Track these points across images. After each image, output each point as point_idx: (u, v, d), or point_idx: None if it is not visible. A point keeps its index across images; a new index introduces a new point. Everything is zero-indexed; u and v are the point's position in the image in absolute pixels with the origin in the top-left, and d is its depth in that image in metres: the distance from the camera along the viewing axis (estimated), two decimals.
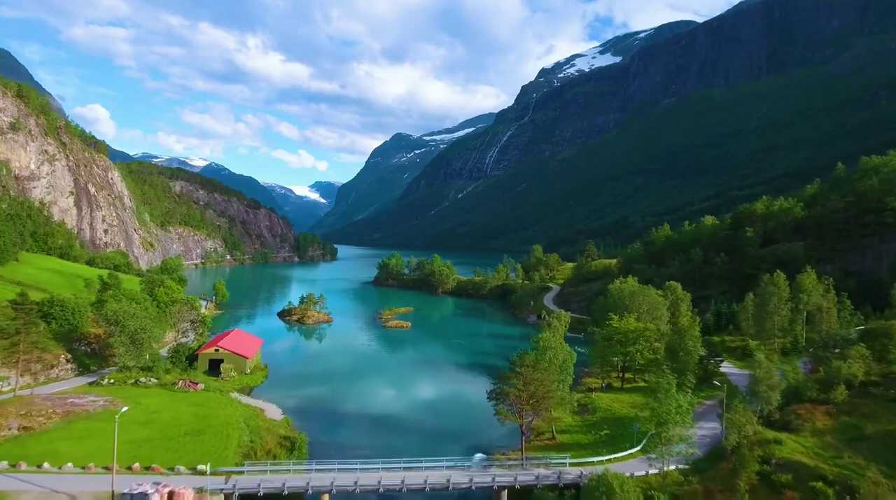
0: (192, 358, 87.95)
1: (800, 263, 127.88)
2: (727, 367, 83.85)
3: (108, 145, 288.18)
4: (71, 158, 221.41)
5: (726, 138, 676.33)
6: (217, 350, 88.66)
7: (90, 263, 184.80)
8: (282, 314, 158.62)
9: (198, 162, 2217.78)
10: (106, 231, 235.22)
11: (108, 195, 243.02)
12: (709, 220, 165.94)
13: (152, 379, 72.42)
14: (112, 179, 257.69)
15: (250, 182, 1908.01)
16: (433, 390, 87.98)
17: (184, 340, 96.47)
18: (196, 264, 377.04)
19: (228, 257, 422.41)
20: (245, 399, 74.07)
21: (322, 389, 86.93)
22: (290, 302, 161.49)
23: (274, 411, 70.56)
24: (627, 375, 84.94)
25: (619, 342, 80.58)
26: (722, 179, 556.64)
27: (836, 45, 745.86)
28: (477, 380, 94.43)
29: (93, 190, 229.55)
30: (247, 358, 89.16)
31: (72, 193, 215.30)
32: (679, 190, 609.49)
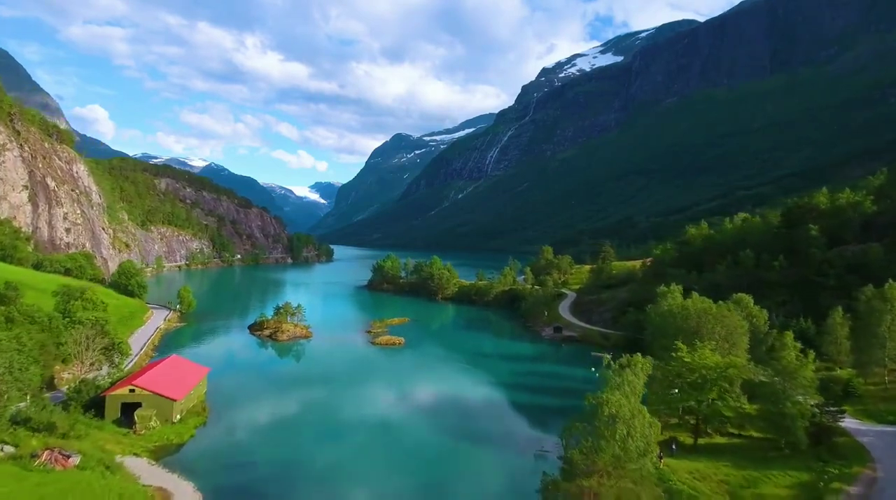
0: (97, 402, 64.05)
1: (879, 267, 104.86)
2: (847, 422, 59.53)
3: (73, 135, 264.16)
4: (26, 148, 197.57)
5: (729, 138, 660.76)
6: (132, 390, 64.62)
7: (37, 266, 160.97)
8: (253, 328, 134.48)
9: (198, 162, 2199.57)
10: (68, 230, 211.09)
11: (72, 191, 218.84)
12: (753, 217, 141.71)
13: (6, 447, 48.37)
14: (77, 172, 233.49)
15: (250, 182, 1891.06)
16: (427, 453, 63.11)
17: (98, 373, 72.19)
18: (180, 266, 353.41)
19: (216, 258, 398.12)
20: (149, 473, 50.10)
21: (273, 444, 62.82)
22: (262, 314, 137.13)
23: (187, 498, 46.58)
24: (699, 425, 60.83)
25: (694, 385, 56.61)
26: (726, 179, 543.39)
27: (841, 44, 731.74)
28: (487, 430, 70.33)
29: (52, 184, 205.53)
30: (174, 400, 65.06)
31: (25, 187, 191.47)
32: (682, 190, 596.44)
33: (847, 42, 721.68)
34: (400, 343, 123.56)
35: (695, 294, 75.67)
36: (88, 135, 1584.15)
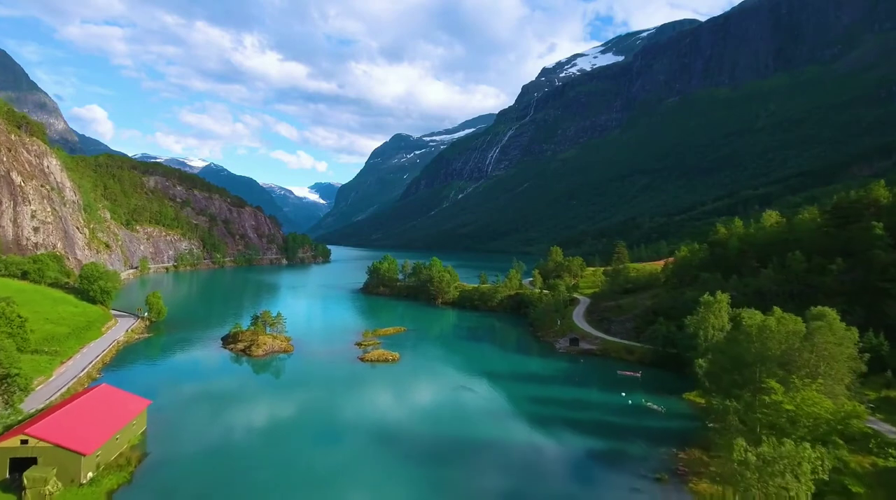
0: None
1: None
2: None
3: (44, 126, 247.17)
4: None
5: (733, 137, 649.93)
6: (24, 441, 47.92)
7: None
8: (226, 340, 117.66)
9: (197, 163, 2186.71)
10: (36, 229, 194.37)
11: (42, 187, 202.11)
12: (802, 213, 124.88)
13: None
14: (48, 167, 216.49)
15: (249, 183, 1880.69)
16: None
17: None
18: (167, 268, 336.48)
19: (206, 259, 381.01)
20: None
21: None
22: (237, 324, 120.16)
23: None
24: None
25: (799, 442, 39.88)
26: (730, 179, 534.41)
27: (845, 43, 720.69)
28: (504, 487, 53.48)
29: (18, 180, 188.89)
30: (83, 454, 48.36)
31: None
32: (686, 190, 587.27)
33: (851, 40, 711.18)
34: (394, 359, 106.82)
35: (777, 309, 58.63)
36: (87, 135, 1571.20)
